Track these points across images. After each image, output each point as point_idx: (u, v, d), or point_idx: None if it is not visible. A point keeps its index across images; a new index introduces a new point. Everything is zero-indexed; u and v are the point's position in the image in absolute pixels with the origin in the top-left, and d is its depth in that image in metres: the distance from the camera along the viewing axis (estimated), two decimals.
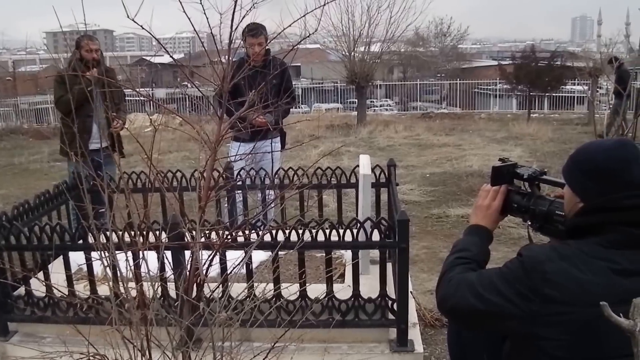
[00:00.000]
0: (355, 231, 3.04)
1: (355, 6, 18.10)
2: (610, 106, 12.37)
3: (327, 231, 3.05)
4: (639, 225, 1.86)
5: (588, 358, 1.84)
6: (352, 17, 18.16)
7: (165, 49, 2.52)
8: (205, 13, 2.22)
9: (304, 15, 2.39)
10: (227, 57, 2.38)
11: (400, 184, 9.37)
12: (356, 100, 21.11)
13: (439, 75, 41.57)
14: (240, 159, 3.38)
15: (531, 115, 20.63)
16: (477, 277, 2.00)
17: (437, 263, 5.43)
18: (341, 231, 3.04)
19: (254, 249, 2.86)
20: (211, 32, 2.25)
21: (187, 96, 23.07)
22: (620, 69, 14.07)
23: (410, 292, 3.80)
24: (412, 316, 3.51)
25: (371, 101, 32.83)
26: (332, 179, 4.33)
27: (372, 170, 4.12)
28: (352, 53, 18.59)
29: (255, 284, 2.98)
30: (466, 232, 2.30)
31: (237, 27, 2.28)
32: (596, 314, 1.61)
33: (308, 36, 2.32)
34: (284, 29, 2.53)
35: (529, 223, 2.22)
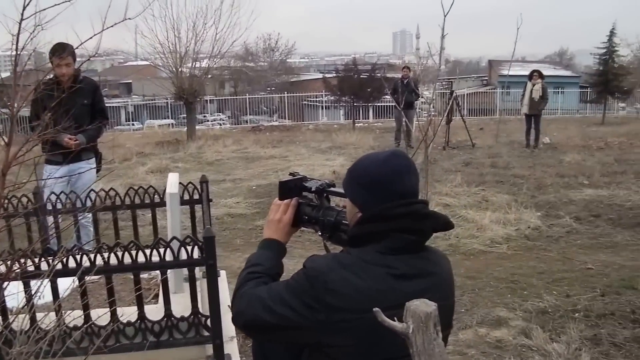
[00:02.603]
0: (162, 251, 3.01)
1: (181, 23, 18.07)
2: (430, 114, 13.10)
3: (134, 253, 3.00)
4: (412, 231, 1.96)
5: None
6: (178, 33, 18.10)
7: None
8: None
9: (94, 35, 2.35)
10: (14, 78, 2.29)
11: (227, 197, 9.47)
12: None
13: (269, 88, 42.13)
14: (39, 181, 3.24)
15: (356, 124, 21.41)
16: (267, 291, 2.04)
17: None
18: (148, 252, 2.99)
19: (62, 276, 2.78)
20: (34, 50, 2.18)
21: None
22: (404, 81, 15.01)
23: (228, 306, 3.81)
24: (230, 330, 3.51)
25: (204, 116, 32.70)
26: (146, 198, 4.24)
27: (185, 187, 4.10)
28: (179, 69, 18.45)
29: (64, 312, 2.87)
30: (259, 247, 2.33)
31: (22, 49, 2.21)
32: (376, 319, 1.68)
33: (89, 58, 2.27)
34: (77, 46, 2.48)
35: (320, 233, 2.30)
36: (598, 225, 7.82)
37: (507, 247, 6.94)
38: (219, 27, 18.27)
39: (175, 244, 2.99)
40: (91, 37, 2.29)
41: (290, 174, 2.45)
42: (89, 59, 2.25)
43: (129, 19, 2.29)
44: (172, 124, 28.38)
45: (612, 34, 24.83)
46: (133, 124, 32.35)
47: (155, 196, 4.22)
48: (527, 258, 6.56)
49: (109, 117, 6.05)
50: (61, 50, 5.05)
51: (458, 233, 7.18)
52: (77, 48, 2.53)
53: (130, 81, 52.72)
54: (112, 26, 2.24)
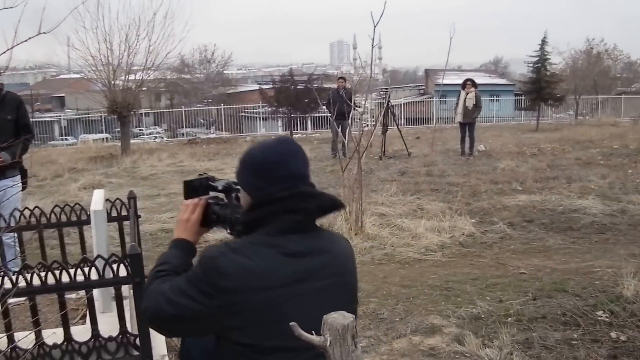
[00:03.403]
0: (87, 270, 2.93)
1: (113, 35, 17.74)
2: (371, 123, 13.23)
3: (58, 272, 2.91)
4: (297, 211, 2.02)
5: (273, 342, 1.94)
6: (110, 46, 17.77)
7: None
8: None
9: (6, 50, 2.29)
10: None
11: (161, 212, 9.35)
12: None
13: (205, 100, 41.87)
14: None
15: (294, 136, 21.44)
16: (169, 285, 2.07)
17: None
18: (72, 271, 2.91)
19: None
20: None
21: None
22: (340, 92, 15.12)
23: None
24: (161, 348, 3.47)
25: (140, 129, 32.31)
26: (72, 215, 4.14)
27: (113, 203, 4.02)
28: (112, 82, 18.14)
29: None
30: (169, 247, 2.36)
31: None
32: (270, 298, 1.85)
33: (0, 73, 2.21)
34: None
35: (229, 231, 2.31)
36: (531, 230, 7.97)
37: (441, 254, 7.00)
38: (153, 39, 18.08)
39: (100, 262, 2.93)
40: (4, 52, 2.24)
41: (200, 174, 2.48)
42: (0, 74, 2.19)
43: (44, 32, 2.24)
44: (107, 138, 27.93)
45: (543, 42, 25.41)
46: (67, 139, 31.77)
47: (82, 213, 4.13)
48: (461, 265, 6.63)
49: (34, 132, 5.89)
50: None
51: (393, 242, 7.23)
52: None
53: (63, 95, 51.81)
54: (25, 41, 2.19)
